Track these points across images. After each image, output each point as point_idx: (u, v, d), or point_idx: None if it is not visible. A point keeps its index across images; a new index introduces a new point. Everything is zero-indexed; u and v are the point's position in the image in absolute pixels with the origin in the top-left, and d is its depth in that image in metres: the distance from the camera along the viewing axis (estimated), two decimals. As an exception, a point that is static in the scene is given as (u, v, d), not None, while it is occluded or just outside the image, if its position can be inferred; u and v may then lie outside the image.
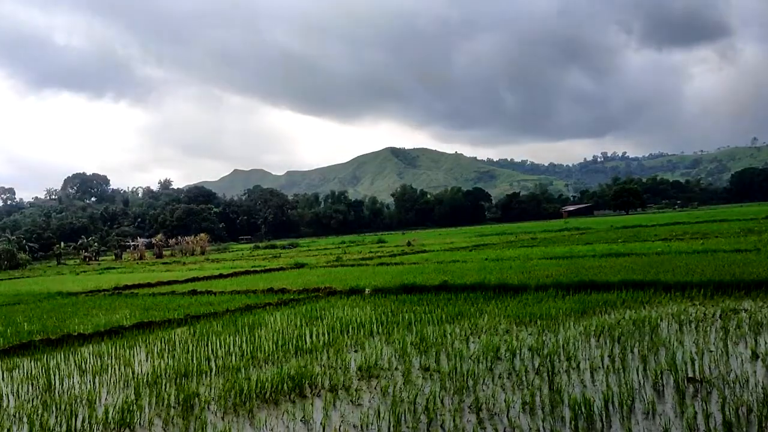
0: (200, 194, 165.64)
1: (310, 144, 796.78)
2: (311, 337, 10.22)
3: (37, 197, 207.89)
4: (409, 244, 48.50)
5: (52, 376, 8.66)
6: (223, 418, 6.33)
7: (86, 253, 79.02)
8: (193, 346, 10.18)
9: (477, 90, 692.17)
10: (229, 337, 10.74)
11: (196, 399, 6.94)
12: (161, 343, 10.71)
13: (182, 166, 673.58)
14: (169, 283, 23.91)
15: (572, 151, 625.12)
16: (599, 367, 7.08)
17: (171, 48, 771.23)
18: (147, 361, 9.41)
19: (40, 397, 7.71)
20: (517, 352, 7.99)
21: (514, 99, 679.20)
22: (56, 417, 6.69)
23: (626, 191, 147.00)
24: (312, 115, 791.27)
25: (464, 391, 6.59)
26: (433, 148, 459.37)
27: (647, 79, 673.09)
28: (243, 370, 8.14)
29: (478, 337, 9.18)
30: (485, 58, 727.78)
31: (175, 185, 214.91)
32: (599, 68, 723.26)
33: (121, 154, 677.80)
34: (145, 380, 7.95)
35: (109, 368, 9.03)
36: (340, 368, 7.92)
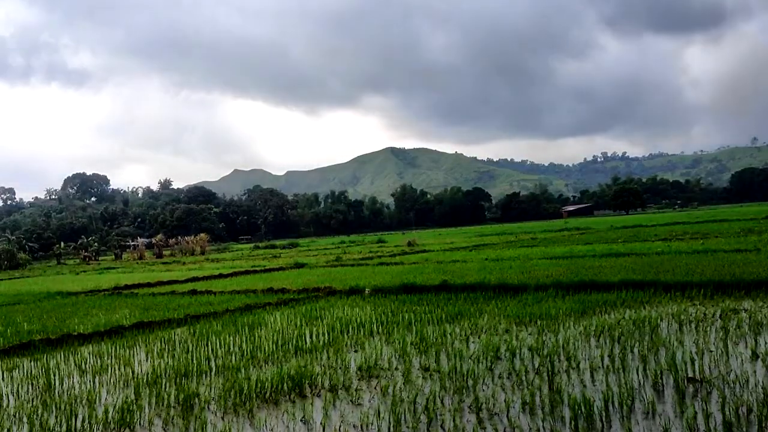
0: (200, 194, 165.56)
1: (281, 140, 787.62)
2: (311, 337, 10.22)
3: (37, 197, 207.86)
4: (409, 244, 48.37)
5: (52, 376, 8.66)
6: (223, 418, 6.33)
7: (86, 253, 78.88)
8: (192, 345, 10.19)
9: (467, 85, 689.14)
10: (229, 336, 10.74)
11: (196, 399, 6.94)
12: (161, 343, 10.71)
13: (149, 161, 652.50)
14: (168, 282, 23.90)
15: (568, 149, 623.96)
16: (599, 367, 7.09)
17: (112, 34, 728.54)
18: (147, 360, 9.42)
19: (40, 397, 7.71)
20: (517, 352, 7.99)
21: (506, 94, 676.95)
22: (56, 417, 6.69)
23: (626, 191, 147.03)
24: (283, 107, 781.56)
25: (464, 391, 6.59)
26: (431, 147, 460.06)
27: (645, 75, 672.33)
28: (243, 370, 8.14)
29: (478, 337, 9.18)
30: (471, 50, 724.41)
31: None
32: (596, 62, 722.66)
33: (79, 148, 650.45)
34: (145, 380, 7.95)
35: (109, 368, 9.03)
36: (340, 368, 7.92)
